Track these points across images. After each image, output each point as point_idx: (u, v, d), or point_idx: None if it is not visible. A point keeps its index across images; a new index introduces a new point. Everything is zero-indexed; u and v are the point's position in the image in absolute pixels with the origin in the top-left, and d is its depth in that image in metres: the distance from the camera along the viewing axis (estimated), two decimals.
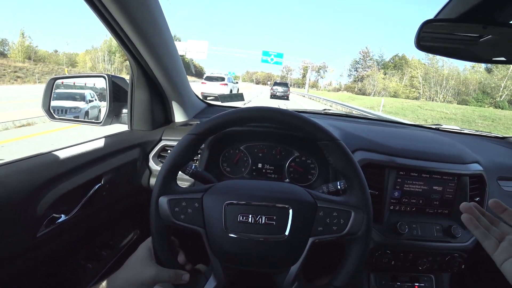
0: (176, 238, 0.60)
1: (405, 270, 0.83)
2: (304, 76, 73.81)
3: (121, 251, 0.91)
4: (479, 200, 0.82)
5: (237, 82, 15.97)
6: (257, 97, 19.30)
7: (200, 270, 0.60)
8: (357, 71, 60.22)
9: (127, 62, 0.84)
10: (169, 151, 0.93)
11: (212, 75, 13.76)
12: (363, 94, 47.38)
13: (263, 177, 0.91)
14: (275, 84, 20.93)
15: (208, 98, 1.20)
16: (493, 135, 1.27)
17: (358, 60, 60.39)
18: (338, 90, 56.30)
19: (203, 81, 13.16)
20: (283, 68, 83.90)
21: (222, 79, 12.91)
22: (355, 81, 59.04)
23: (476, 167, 0.82)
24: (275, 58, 37.22)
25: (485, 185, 0.82)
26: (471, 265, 0.83)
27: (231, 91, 13.16)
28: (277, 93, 19.52)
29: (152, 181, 0.93)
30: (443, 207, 0.83)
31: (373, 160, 0.79)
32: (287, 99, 19.75)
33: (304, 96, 30.57)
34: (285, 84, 21.02)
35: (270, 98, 19.05)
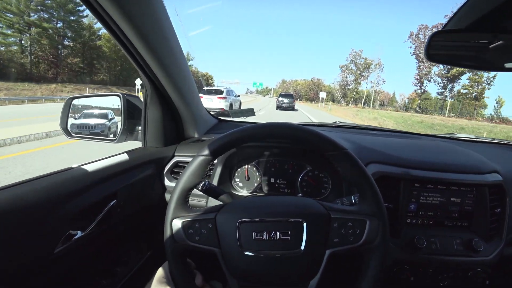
0: (192, 260, 0.60)
1: (425, 286, 0.80)
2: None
3: (134, 267, 0.91)
4: (500, 212, 0.79)
5: (238, 96, 14.80)
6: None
7: None
8: None
9: None
10: (182, 167, 0.94)
11: (210, 88, 12.66)
12: None
13: (276, 192, 0.90)
14: (281, 95, 21.58)
15: None
16: (510, 142, 1.23)
17: None
18: None
19: (200, 95, 12.60)
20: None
21: (221, 92, 11.78)
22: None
23: (495, 177, 0.80)
24: None
25: (506, 195, 0.79)
26: (496, 281, 0.80)
27: (231, 105, 12.01)
28: (283, 104, 20.14)
29: (167, 196, 0.93)
30: (463, 219, 0.80)
31: (387, 172, 0.78)
32: (293, 109, 20.24)
33: None
34: (290, 96, 21.77)
35: (276, 109, 19.43)
